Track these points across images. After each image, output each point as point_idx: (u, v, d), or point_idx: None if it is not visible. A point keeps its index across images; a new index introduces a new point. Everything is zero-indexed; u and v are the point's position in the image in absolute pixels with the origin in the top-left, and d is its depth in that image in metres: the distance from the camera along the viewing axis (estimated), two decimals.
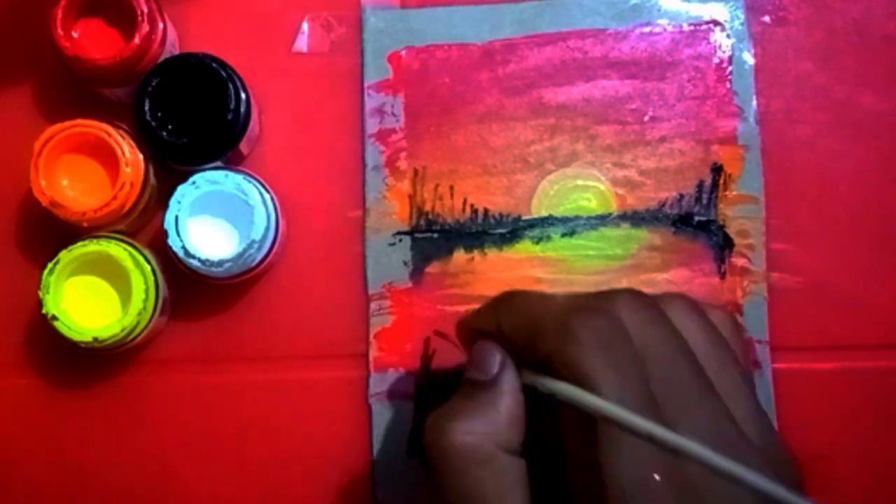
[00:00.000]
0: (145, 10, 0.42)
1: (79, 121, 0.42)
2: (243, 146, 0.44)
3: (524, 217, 0.45)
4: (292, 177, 0.46)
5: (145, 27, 0.42)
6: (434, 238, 0.45)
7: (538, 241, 0.45)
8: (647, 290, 0.44)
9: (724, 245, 0.45)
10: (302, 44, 0.47)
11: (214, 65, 0.43)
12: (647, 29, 0.46)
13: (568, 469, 0.33)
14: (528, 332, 0.34)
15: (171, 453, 0.45)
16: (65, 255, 0.42)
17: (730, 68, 0.46)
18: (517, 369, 0.34)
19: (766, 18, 0.46)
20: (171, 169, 0.44)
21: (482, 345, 0.36)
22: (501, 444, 0.34)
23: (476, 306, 0.38)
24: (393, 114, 0.46)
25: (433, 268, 0.45)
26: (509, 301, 0.36)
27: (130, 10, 0.42)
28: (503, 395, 0.34)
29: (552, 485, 0.34)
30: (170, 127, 0.43)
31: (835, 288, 0.45)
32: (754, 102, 0.45)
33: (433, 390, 0.45)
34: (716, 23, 0.46)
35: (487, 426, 0.34)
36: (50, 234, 0.44)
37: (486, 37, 0.46)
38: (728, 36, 0.46)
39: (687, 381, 0.32)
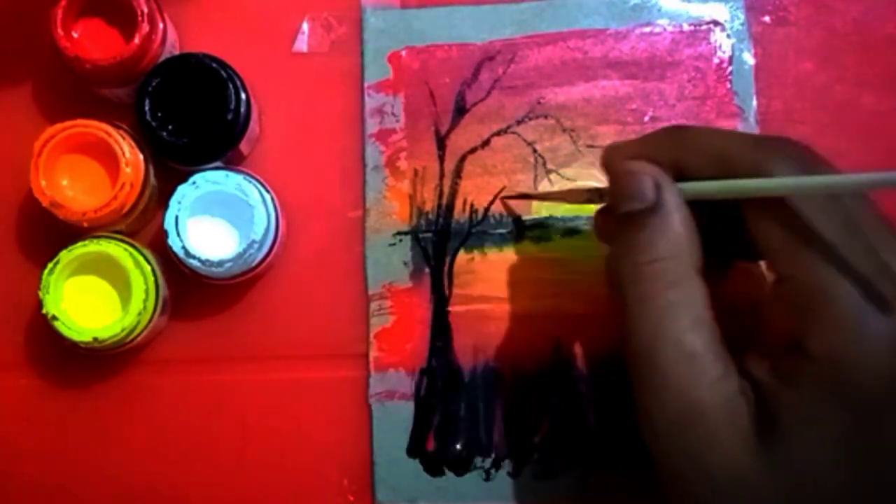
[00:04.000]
0: (145, 10, 0.42)
1: (79, 121, 0.42)
2: (243, 146, 0.44)
3: (524, 217, 0.45)
4: (292, 177, 0.46)
5: (145, 27, 0.42)
6: (434, 238, 0.45)
7: (538, 241, 0.45)
8: None
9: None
10: (302, 44, 0.47)
11: (214, 65, 0.43)
12: (647, 29, 0.46)
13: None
14: (715, 164, 0.33)
15: (171, 453, 0.45)
16: (65, 255, 0.42)
17: (730, 68, 0.46)
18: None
19: (766, 18, 0.46)
20: (171, 169, 0.44)
21: (631, 172, 0.34)
22: (689, 263, 0.33)
23: (623, 140, 0.37)
24: (393, 114, 0.46)
25: (433, 268, 0.45)
26: (685, 134, 0.35)
27: (130, 10, 0.42)
28: (672, 214, 0.33)
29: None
30: (170, 127, 0.43)
31: None
32: (754, 102, 0.45)
33: (434, 389, 0.45)
34: (716, 23, 0.46)
35: (669, 248, 0.33)
36: (50, 234, 0.44)
37: (486, 37, 0.46)
38: (728, 36, 0.46)
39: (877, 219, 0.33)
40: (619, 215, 0.34)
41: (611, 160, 0.37)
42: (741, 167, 0.33)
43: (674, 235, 0.33)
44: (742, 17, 0.46)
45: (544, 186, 0.45)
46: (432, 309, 0.45)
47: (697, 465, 0.32)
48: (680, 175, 0.34)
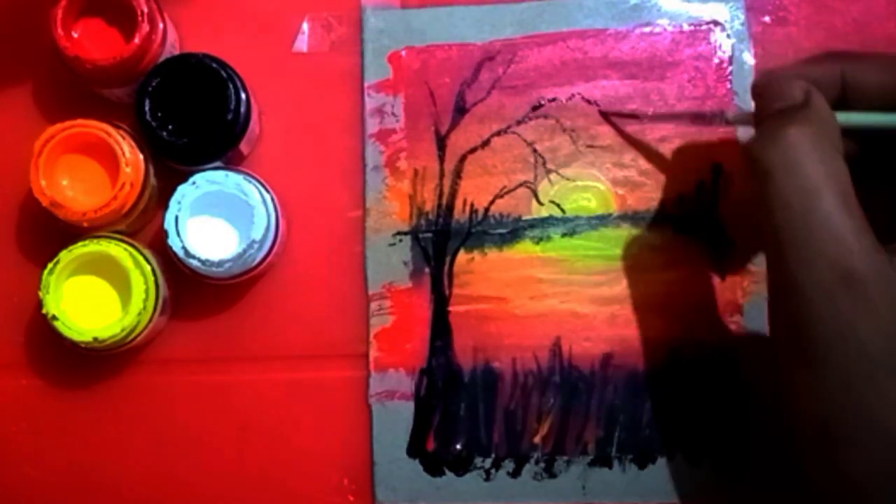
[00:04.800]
0: (145, 10, 0.42)
1: (79, 121, 0.42)
2: (243, 146, 0.44)
3: (524, 217, 0.45)
4: (292, 177, 0.46)
5: (145, 27, 0.42)
6: (434, 238, 0.45)
7: (538, 241, 0.45)
8: (646, 290, 0.45)
9: (724, 245, 0.45)
10: (302, 44, 0.47)
11: (214, 65, 0.43)
12: (647, 29, 0.46)
13: None
14: (877, 93, 0.37)
15: (171, 453, 0.45)
16: (65, 255, 0.42)
17: (730, 68, 0.46)
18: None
19: (766, 18, 0.46)
20: (171, 169, 0.44)
21: (784, 76, 0.37)
22: (836, 147, 0.35)
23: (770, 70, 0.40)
24: (393, 114, 0.46)
25: (433, 268, 0.45)
26: (845, 58, 0.38)
27: (130, 10, 0.42)
28: (819, 110, 0.36)
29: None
30: (170, 127, 0.43)
31: None
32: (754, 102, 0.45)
33: (434, 389, 0.45)
34: (716, 23, 0.46)
35: (817, 129, 0.35)
36: (50, 234, 0.44)
37: (486, 37, 0.46)
38: (728, 36, 0.46)
39: None
40: (770, 114, 0.37)
41: (763, 75, 0.39)
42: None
43: (821, 121, 0.35)
44: (742, 17, 0.46)
45: (544, 186, 0.45)
46: (432, 309, 0.45)
47: (849, 331, 0.33)
48: (841, 102, 0.37)
